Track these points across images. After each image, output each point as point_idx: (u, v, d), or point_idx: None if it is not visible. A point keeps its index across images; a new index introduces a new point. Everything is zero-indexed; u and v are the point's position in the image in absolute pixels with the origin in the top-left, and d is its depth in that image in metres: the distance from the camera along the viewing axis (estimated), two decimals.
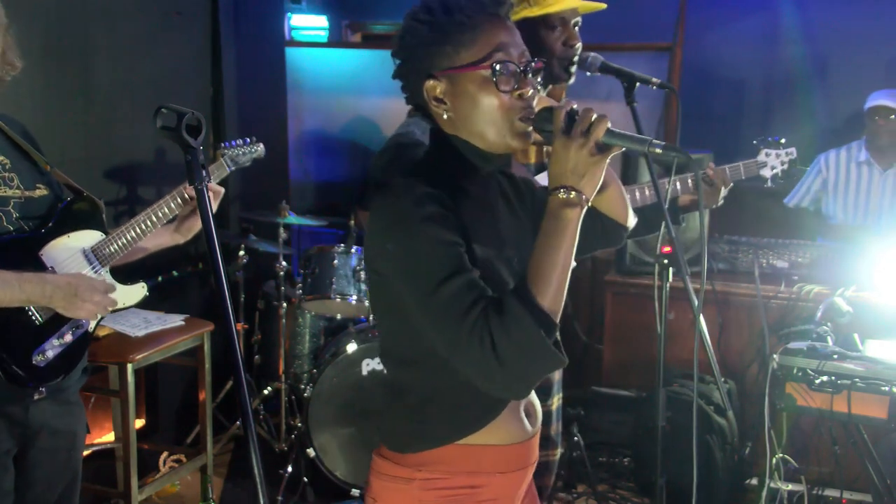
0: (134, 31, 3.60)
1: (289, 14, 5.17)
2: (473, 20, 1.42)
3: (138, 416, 3.54)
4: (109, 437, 3.41)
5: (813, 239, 3.87)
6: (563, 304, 1.37)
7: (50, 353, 2.03)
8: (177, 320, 3.26)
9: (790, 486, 3.23)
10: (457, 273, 1.34)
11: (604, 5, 2.32)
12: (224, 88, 4.19)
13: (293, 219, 3.86)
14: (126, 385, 2.94)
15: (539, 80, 1.48)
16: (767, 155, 2.58)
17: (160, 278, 3.78)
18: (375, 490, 1.54)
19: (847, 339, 2.97)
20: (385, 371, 1.57)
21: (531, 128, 1.44)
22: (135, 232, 2.21)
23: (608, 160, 1.38)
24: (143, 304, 3.37)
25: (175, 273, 3.87)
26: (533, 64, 1.45)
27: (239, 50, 4.31)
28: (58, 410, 2.10)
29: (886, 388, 2.78)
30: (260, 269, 4.32)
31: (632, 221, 1.79)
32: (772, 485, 3.14)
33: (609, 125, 1.36)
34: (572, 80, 2.35)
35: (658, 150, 1.34)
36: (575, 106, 1.41)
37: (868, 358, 2.86)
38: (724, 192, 2.48)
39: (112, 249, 2.18)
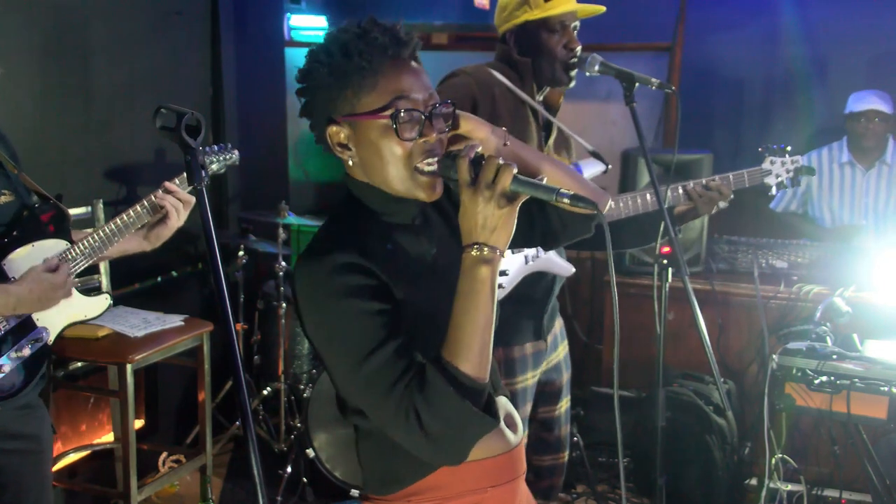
0: (133, 31, 3.60)
1: (288, 14, 5.16)
2: (373, 64, 1.34)
3: (138, 417, 3.54)
4: (109, 437, 3.41)
5: (797, 239, 3.88)
6: (489, 364, 1.30)
7: (7, 368, 2.02)
8: (176, 320, 3.26)
9: (789, 487, 3.23)
10: (380, 346, 1.28)
11: (603, 9, 2.32)
12: (224, 88, 4.19)
13: (292, 219, 3.86)
14: (125, 385, 2.94)
15: (449, 122, 1.40)
16: (772, 163, 2.55)
17: (159, 279, 3.78)
18: None
19: (846, 339, 2.97)
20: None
21: (438, 178, 1.37)
22: (99, 239, 2.20)
23: (517, 209, 1.30)
24: (143, 305, 3.40)
25: (174, 273, 3.88)
26: (439, 108, 1.37)
27: (238, 50, 4.31)
28: (17, 415, 2.08)
29: (885, 389, 2.78)
30: (259, 269, 4.32)
31: (606, 205, 1.67)
32: (771, 485, 3.14)
33: (515, 172, 1.28)
34: (573, 84, 2.35)
35: (566, 201, 1.26)
36: (480, 149, 1.34)
37: (867, 358, 2.86)
38: (723, 203, 2.47)
39: (75, 258, 2.17)
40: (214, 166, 2.50)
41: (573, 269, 2.49)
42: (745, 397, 3.58)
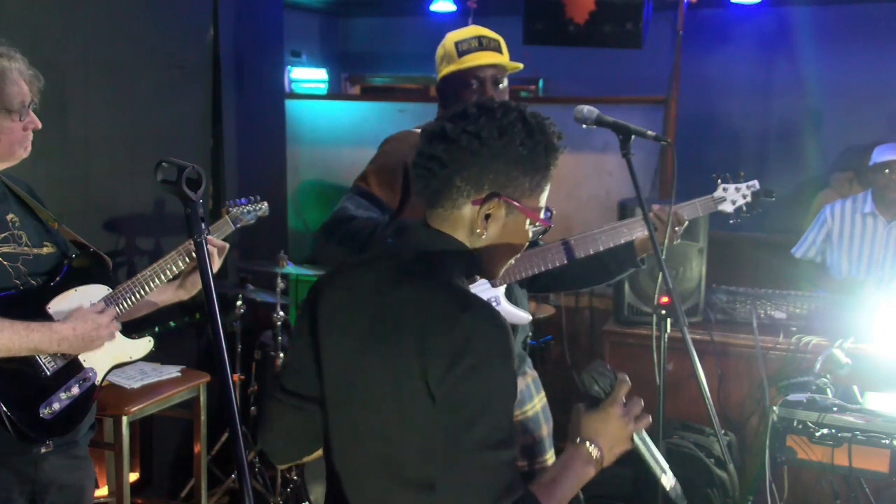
0: (134, 84, 3.64)
1: (289, 67, 5.25)
2: (553, 165, 1.43)
3: (132, 470, 3.50)
4: (103, 490, 3.36)
5: (812, 290, 3.88)
6: None
7: (57, 406, 2.05)
8: (173, 371, 3.24)
9: None
10: (509, 444, 1.29)
11: (520, 65, 2.34)
12: (224, 140, 4.23)
13: (291, 269, 3.86)
14: (121, 438, 2.91)
15: None
16: (725, 189, 2.52)
17: (157, 329, 3.77)
18: None
19: (846, 391, 2.96)
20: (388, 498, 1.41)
21: None
22: (142, 290, 2.25)
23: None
24: None
25: (172, 324, 3.86)
26: None
27: (239, 102, 4.36)
28: (67, 465, 2.11)
29: (887, 442, 2.75)
30: (257, 319, 4.30)
31: None
32: None
33: (643, 430, 1.48)
34: None
35: (665, 486, 1.52)
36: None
37: (868, 410, 2.84)
38: (679, 230, 2.43)
39: (120, 306, 2.21)
40: (247, 217, 2.55)
41: (529, 318, 2.45)
42: (747, 449, 3.55)
